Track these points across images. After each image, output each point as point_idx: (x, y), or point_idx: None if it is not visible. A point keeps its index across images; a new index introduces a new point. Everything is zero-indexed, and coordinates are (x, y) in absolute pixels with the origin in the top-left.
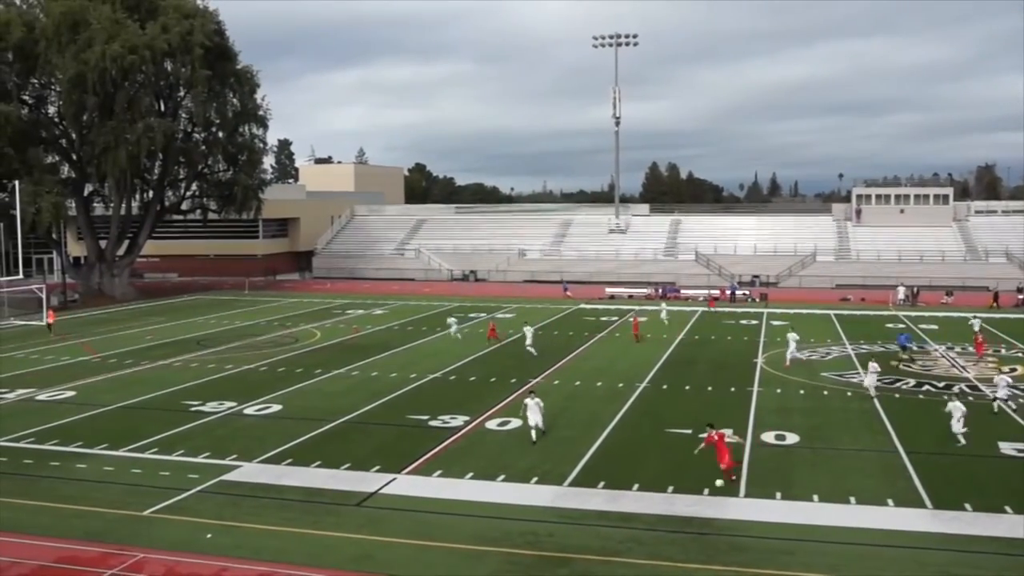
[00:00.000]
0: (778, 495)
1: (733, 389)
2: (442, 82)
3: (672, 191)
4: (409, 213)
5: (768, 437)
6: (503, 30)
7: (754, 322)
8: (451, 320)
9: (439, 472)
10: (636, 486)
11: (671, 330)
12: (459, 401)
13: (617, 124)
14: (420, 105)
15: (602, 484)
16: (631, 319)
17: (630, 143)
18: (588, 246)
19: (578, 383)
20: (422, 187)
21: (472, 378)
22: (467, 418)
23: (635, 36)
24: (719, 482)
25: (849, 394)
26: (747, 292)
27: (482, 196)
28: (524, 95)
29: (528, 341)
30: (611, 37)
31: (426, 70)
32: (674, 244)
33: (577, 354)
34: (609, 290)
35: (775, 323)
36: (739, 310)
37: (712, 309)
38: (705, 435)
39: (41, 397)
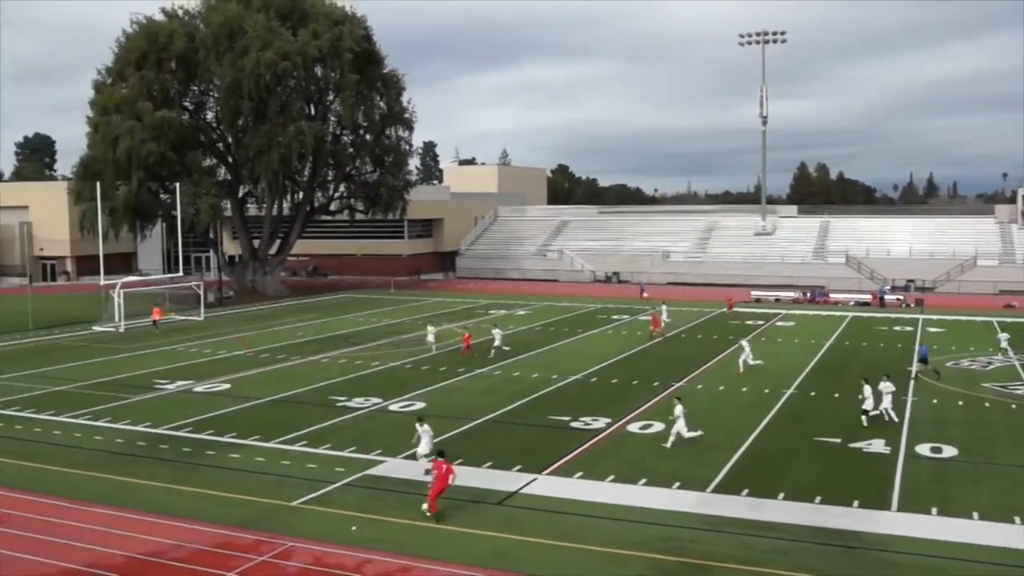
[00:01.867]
0: (934, 510)
1: None
2: (587, 82)
3: (821, 192)
4: (552, 214)
5: (923, 449)
6: (650, 30)
7: (908, 328)
8: (430, 327)
9: (580, 474)
10: (781, 495)
11: (821, 335)
12: (601, 403)
13: (764, 123)
14: (564, 106)
15: (746, 491)
16: (650, 314)
17: (777, 143)
18: (733, 248)
19: (722, 388)
20: (565, 188)
21: (614, 380)
22: (609, 420)
23: (783, 33)
24: None
25: (1014, 407)
26: (900, 297)
27: (625, 197)
28: (669, 95)
29: (496, 342)
30: (758, 35)
31: (572, 71)
32: (823, 247)
33: (721, 358)
34: (755, 294)
35: (931, 330)
36: (892, 316)
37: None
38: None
39: (199, 389)
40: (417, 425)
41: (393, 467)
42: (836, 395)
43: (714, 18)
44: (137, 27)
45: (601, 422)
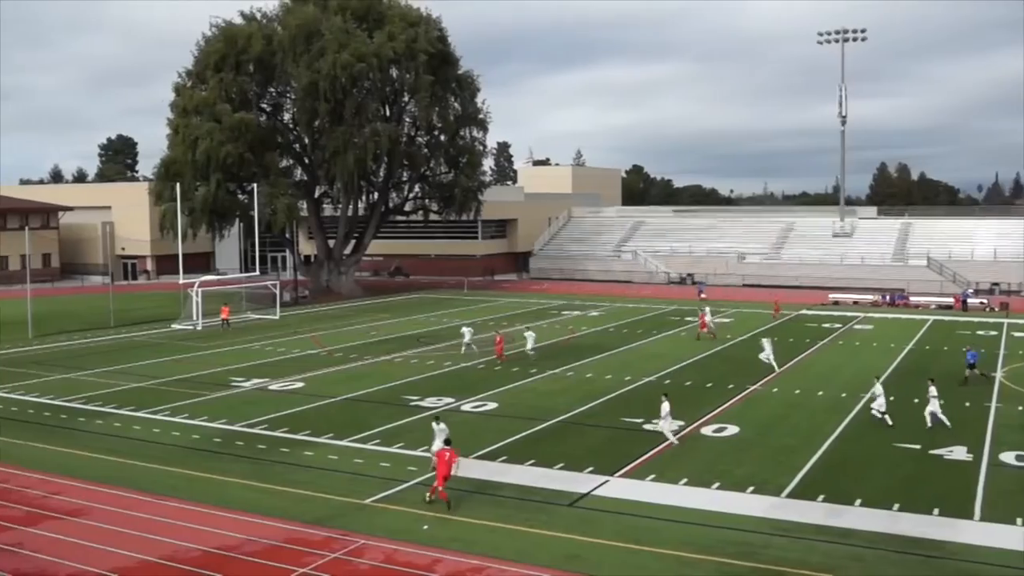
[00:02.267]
0: (1019, 521)
1: (968, 404)
2: (664, 82)
3: (902, 193)
4: (626, 215)
5: (1008, 457)
6: (726, 29)
7: (992, 333)
8: (465, 329)
9: (652, 476)
10: (859, 501)
11: (900, 339)
12: (674, 405)
13: (843, 123)
14: (640, 106)
15: (822, 497)
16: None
17: (856, 143)
18: (811, 250)
19: (798, 391)
20: (639, 189)
21: (688, 383)
22: (682, 423)
23: (863, 31)
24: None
25: None
26: (984, 301)
27: (700, 198)
28: (746, 94)
29: (528, 345)
30: (837, 32)
31: (647, 70)
32: (903, 249)
33: (797, 361)
34: (833, 296)
35: (1017, 335)
36: (975, 320)
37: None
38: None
39: (274, 387)
40: (434, 424)
41: (465, 466)
42: (915, 400)
43: (792, 16)
44: (216, 30)
45: (674, 424)
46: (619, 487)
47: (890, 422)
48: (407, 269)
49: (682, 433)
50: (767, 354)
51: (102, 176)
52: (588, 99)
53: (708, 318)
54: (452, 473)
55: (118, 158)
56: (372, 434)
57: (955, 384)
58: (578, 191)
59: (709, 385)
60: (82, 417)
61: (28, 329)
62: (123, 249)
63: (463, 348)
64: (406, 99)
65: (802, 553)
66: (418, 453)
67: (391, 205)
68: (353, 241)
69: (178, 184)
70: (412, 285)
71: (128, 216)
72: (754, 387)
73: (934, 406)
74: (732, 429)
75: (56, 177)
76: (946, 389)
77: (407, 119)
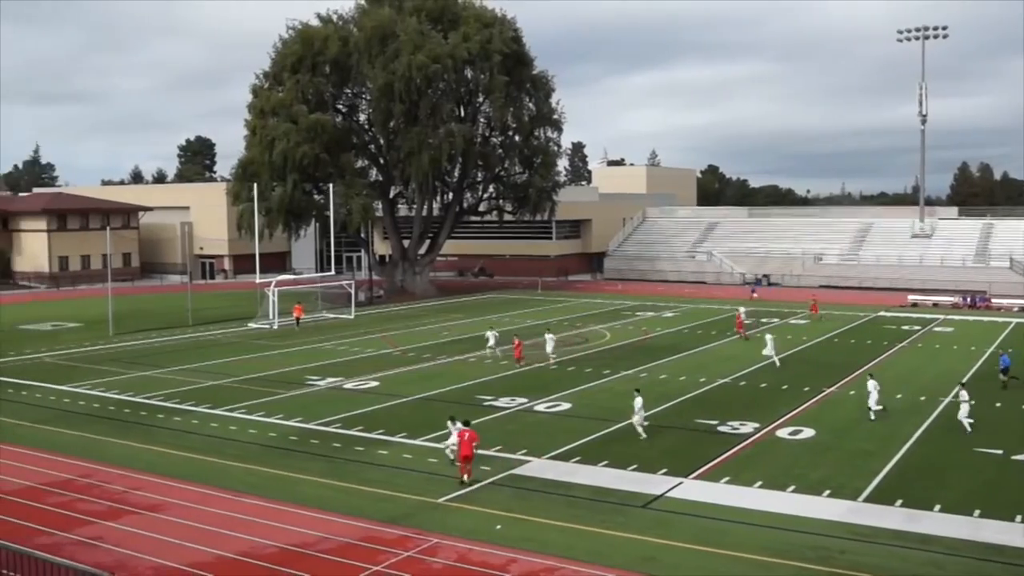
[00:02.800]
0: None
1: None
2: (739, 82)
3: (984, 193)
4: (701, 215)
5: None
6: (803, 28)
7: None
8: (490, 334)
9: (727, 479)
10: (938, 507)
11: (981, 342)
12: (749, 407)
13: (923, 122)
14: (715, 106)
15: (900, 502)
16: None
17: (937, 142)
18: (889, 251)
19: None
20: (715, 189)
21: (763, 384)
22: (757, 425)
23: (944, 28)
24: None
25: None
26: None
27: (776, 198)
28: (824, 93)
29: (548, 348)
30: (918, 30)
31: (723, 70)
32: (985, 250)
33: (875, 364)
34: (912, 298)
35: None
36: None
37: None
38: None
39: (348, 386)
40: (449, 423)
41: (538, 467)
42: (998, 404)
43: (871, 15)
44: (293, 32)
45: (749, 427)
46: (693, 489)
47: (968, 428)
48: (491, 270)
49: (757, 435)
50: (769, 350)
51: (181, 177)
52: (664, 99)
53: (744, 319)
54: (473, 452)
55: (197, 159)
56: (446, 434)
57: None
58: (653, 191)
59: (784, 387)
60: (160, 414)
61: (109, 327)
62: (201, 249)
63: (488, 352)
64: (480, 100)
65: (879, 559)
66: (491, 453)
67: (465, 205)
68: (427, 241)
69: (255, 184)
70: (486, 285)
71: (206, 216)
72: (830, 389)
73: (964, 411)
74: (808, 432)
75: (136, 178)
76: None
77: (482, 119)
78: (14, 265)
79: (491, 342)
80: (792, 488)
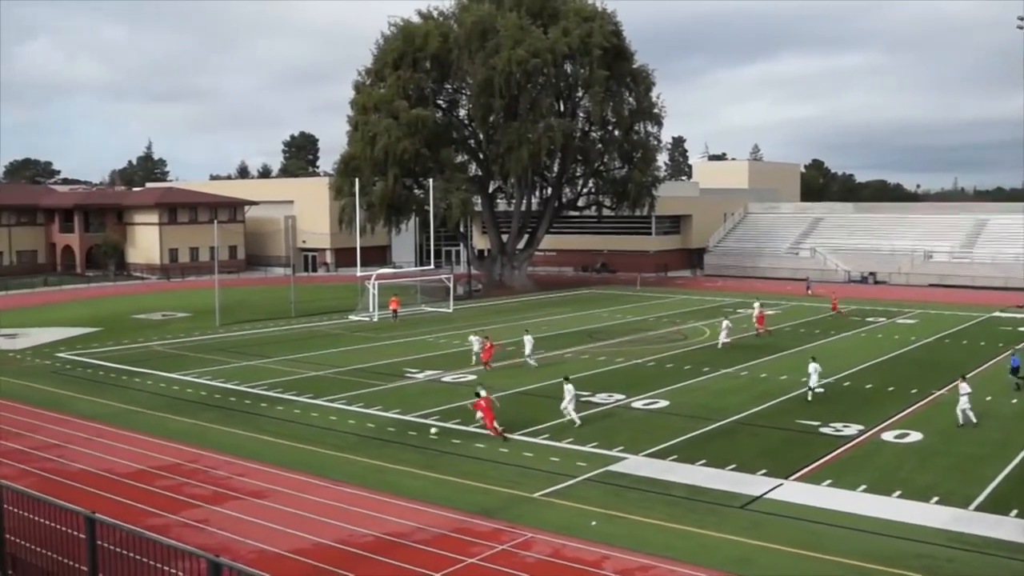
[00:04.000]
0: None
1: None
2: (846, 74)
3: None
4: (805, 211)
5: None
6: (918, 17)
7: None
8: (473, 338)
9: (829, 481)
10: None
11: None
12: (853, 408)
13: None
14: (821, 98)
15: (1015, 512)
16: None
17: None
18: (1005, 249)
19: (989, 398)
20: (819, 184)
21: (868, 385)
22: (861, 427)
23: None
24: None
25: None
26: None
27: (884, 194)
28: (934, 84)
29: (526, 351)
30: None
31: (829, 62)
32: None
33: (988, 367)
34: None
35: None
36: None
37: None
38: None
39: (447, 379)
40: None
41: (634, 464)
42: None
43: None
44: (395, 29)
45: (853, 429)
46: (793, 491)
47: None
48: (612, 266)
49: (862, 438)
50: (723, 337)
51: (285, 171)
52: (766, 92)
53: (757, 312)
54: (495, 410)
55: (301, 154)
56: (542, 428)
57: None
58: (755, 187)
59: (891, 389)
60: (264, 403)
61: (216, 317)
62: (304, 242)
63: (474, 357)
64: (580, 94)
65: (990, 570)
66: (587, 449)
67: (564, 200)
68: (526, 236)
69: (357, 179)
70: (585, 281)
71: (309, 210)
72: (939, 392)
73: (963, 404)
74: (915, 435)
75: (243, 173)
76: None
77: (581, 114)
78: (128, 257)
79: (476, 347)
80: (898, 493)
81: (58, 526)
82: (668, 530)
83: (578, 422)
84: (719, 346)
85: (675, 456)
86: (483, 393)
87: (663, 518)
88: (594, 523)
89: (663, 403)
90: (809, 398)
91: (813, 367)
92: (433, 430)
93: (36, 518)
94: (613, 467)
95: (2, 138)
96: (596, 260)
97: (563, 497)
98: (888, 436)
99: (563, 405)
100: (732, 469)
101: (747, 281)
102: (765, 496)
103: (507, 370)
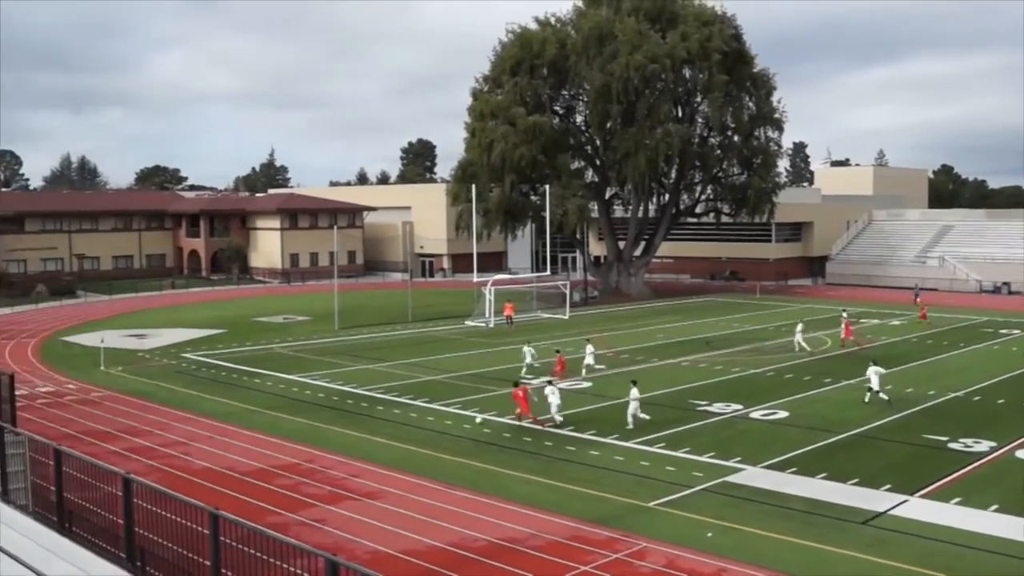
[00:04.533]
0: None
1: None
2: (980, 75)
3: None
4: (933, 218)
5: None
6: None
7: None
8: (527, 349)
9: (957, 500)
10: None
11: None
12: (985, 424)
13: None
14: (952, 101)
15: None
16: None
17: None
18: None
19: None
20: (948, 190)
21: (1000, 400)
22: (994, 444)
23: None
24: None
25: None
26: None
27: (1020, 200)
28: None
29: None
30: None
31: (960, 63)
32: None
33: None
34: None
35: None
36: None
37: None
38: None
39: (561, 385)
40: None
41: (752, 476)
42: None
43: None
44: (512, 36)
45: (984, 445)
46: (919, 508)
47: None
48: (742, 273)
49: (994, 455)
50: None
51: (403, 178)
52: (892, 95)
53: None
54: (529, 401)
55: (418, 161)
56: (658, 437)
57: None
58: (880, 193)
59: None
60: (380, 406)
61: (335, 321)
62: (421, 247)
63: (524, 369)
64: (699, 99)
65: None
66: (704, 459)
67: (682, 207)
68: (643, 243)
69: (474, 185)
70: (703, 288)
71: (426, 216)
72: None
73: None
74: None
75: (362, 179)
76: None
77: (699, 119)
78: (250, 261)
79: (528, 359)
80: None
81: (183, 521)
82: (786, 544)
83: (639, 420)
84: (796, 350)
85: (794, 468)
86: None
87: (781, 532)
88: (710, 535)
89: (782, 414)
90: (866, 399)
91: (873, 370)
92: (479, 419)
93: (163, 512)
94: (730, 478)
95: (134, 146)
96: (724, 268)
97: (679, 507)
98: (1023, 454)
99: (630, 411)
100: (854, 483)
101: (871, 290)
102: (889, 512)
103: (618, 377)
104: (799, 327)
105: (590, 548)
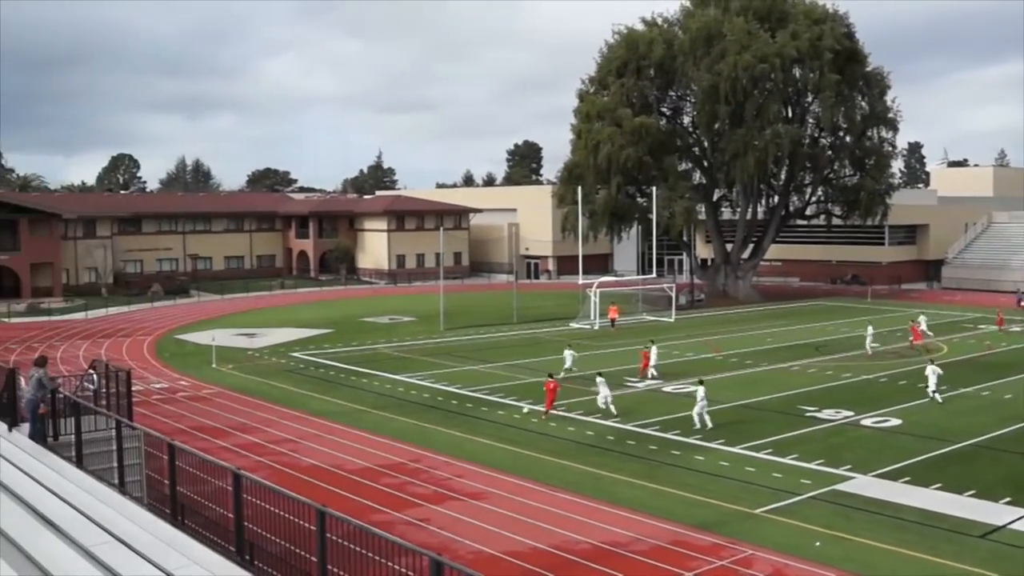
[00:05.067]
0: None
1: None
2: None
3: None
4: None
5: None
6: None
7: None
8: (568, 353)
9: None
10: None
11: None
12: None
13: None
14: None
15: None
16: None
17: None
18: None
19: None
20: None
21: None
22: None
23: None
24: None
25: None
26: None
27: None
28: None
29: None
30: None
31: None
32: None
33: None
34: None
35: None
36: None
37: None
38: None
39: (667, 389)
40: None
41: (863, 484)
42: None
43: None
44: (619, 37)
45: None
46: None
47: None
48: (864, 277)
49: None
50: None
51: (509, 180)
52: (1014, 93)
53: (923, 327)
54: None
55: (524, 162)
56: (765, 443)
57: None
58: (1000, 194)
59: None
60: (484, 407)
61: (440, 322)
62: (527, 249)
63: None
64: (809, 99)
65: None
66: (812, 466)
67: (791, 209)
68: (751, 245)
69: (580, 187)
70: (811, 292)
71: (532, 218)
72: None
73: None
74: None
75: (468, 181)
76: None
77: (810, 120)
78: (358, 262)
79: (568, 362)
80: None
81: (291, 517)
82: (898, 556)
83: (709, 425)
84: (868, 353)
85: (907, 478)
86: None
87: (893, 543)
88: (818, 544)
89: (895, 421)
90: (939, 399)
91: (931, 369)
92: (525, 409)
93: (271, 508)
94: (840, 486)
95: (246, 149)
96: (844, 271)
97: (786, 515)
98: None
99: (695, 410)
100: (971, 495)
101: (991, 295)
102: (1009, 526)
103: (727, 381)
104: (870, 329)
105: (694, 554)
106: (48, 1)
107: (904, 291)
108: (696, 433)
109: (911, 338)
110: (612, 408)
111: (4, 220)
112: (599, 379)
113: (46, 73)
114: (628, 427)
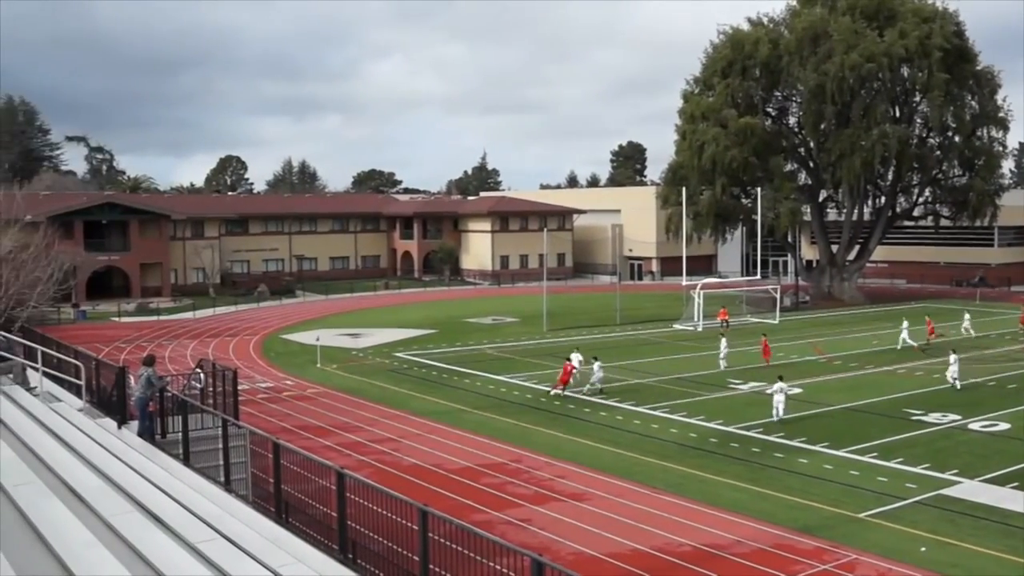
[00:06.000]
0: None
1: None
2: None
3: None
4: None
5: None
6: None
7: None
8: (575, 356)
9: None
10: None
11: None
12: None
13: None
14: None
15: None
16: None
17: None
18: None
19: None
20: None
21: None
22: None
23: None
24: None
25: None
26: None
27: None
28: None
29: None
30: None
31: None
32: None
33: None
34: None
35: None
36: None
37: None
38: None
39: (770, 391)
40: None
41: (970, 489)
42: None
43: None
44: (724, 37)
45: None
46: None
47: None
48: (991, 280)
49: None
50: (903, 336)
51: (613, 181)
52: None
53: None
54: (572, 377)
55: (628, 163)
56: (870, 446)
57: None
58: None
59: None
60: (587, 408)
61: (543, 323)
62: (630, 250)
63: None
64: (917, 99)
65: None
66: (918, 470)
67: (898, 210)
68: (857, 246)
69: (684, 188)
70: (917, 294)
71: (635, 219)
72: None
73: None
74: None
75: (572, 182)
76: None
77: (918, 119)
78: (461, 262)
79: (575, 364)
80: None
81: (393, 516)
82: (1007, 563)
83: (782, 415)
84: (898, 348)
85: (1016, 483)
86: (573, 359)
87: (1001, 550)
88: (924, 549)
89: (1004, 426)
90: (958, 387)
91: (953, 358)
92: (552, 392)
93: (374, 507)
94: (946, 491)
95: (351, 150)
96: (973, 273)
97: (890, 519)
98: None
99: (775, 406)
100: None
101: None
102: None
103: (835, 383)
104: (905, 324)
105: (797, 557)
106: (163, 2)
107: (1014, 293)
108: (800, 436)
109: (928, 336)
110: (598, 385)
111: (115, 221)
112: (595, 363)
113: (158, 76)
114: (731, 429)
